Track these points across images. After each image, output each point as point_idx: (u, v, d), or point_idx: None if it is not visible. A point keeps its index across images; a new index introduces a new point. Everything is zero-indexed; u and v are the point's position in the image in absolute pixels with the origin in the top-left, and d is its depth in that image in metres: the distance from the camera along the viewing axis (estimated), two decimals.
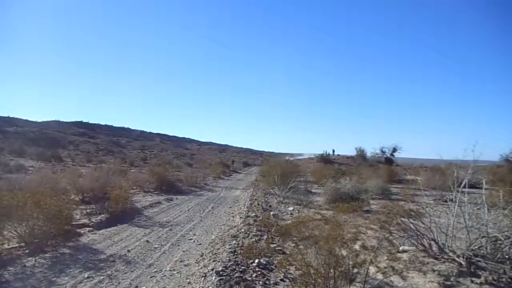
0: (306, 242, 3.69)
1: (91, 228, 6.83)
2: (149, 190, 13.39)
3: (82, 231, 6.55)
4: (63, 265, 4.73)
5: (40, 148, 30.88)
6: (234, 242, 5.55)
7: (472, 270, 4.15)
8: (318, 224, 4.08)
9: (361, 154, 36.86)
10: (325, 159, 36.07)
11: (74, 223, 6.73)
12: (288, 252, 4.96)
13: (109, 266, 4.77)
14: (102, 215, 7.89)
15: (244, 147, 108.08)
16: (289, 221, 7.36)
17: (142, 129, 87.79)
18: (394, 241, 5.02)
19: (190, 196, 13.29)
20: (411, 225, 4.86)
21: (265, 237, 5.97)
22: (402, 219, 4.99)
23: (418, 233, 4.81)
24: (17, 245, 5.28)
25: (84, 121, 72.29)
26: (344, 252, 3.36)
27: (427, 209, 5.69)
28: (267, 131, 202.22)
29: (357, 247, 3.69)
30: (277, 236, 6.14)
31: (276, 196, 12.14)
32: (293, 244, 5.18)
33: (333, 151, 44.03)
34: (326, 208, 9.89)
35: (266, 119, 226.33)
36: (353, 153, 38.67)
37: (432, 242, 4.73)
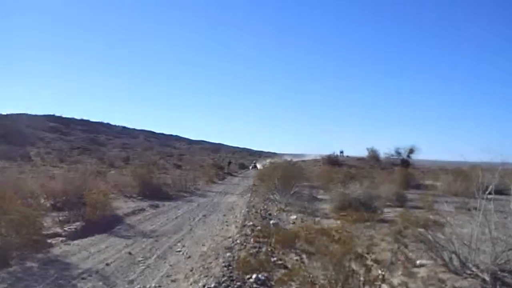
0: (312, 255, 3.71)
1: (64, 238, 6.80)
2: (131, 195, 13.36)
3: (53, 242, 6.51)
4: (30, 281, 4.70)
5: (5, 145, 30.68)
6: (229, 254, 5.56)
7: (498, 286, 4.19)
8: (327, 235, 4.10)
9: (373, 156, 37.08)
10: (333, 161, 36.21)
11: (44, 232, 6.68)
12: (290, 266, 4.98)
13: (85, 282, 4.75)
14: (77, 223, 7.86)
15: (241, 146, 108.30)
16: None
17: (124, 125, 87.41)
18: (410, 254, 5.06)
19: (178, 202, 13.28)
20: (429, 236, 4.89)
21: (264, 249, 5.98)
22: (419, 229, 5.02)
23: (437, 245, 4.84)
24: None
25: (56, 114, 71.86)
26: (354, 267, 3.39)
27: (447, 218, 5.73)
28: (267, 129, 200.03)
29: (368, 261, 3.71)
30: (278, 248, 6.16)
31: (276, 203, 12.17)
32: (296, 257, 5.20)
33: (342, 152, 44.31)
34: (334, 216, 9.94)
35: (265, 115, 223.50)
36: (364, 154, 38.91)
37: (453, 256, 4.76)
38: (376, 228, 5.09)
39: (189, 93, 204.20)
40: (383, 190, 12.56)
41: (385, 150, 36.99)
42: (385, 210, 10.23)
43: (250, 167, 47.70)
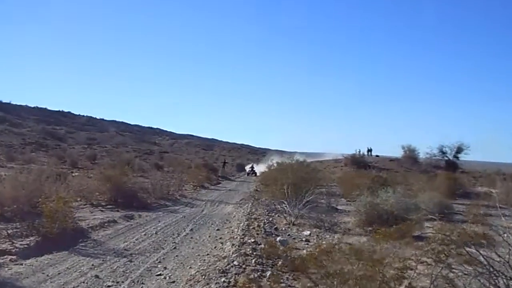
0: (329, 281, 3.75)
1: (14, 257, 6.86)
2: (99, 203, 13.46)
3: (1, 261, 6.59)
4: None
5: None
6: (224, 279, 5.60)
7: None
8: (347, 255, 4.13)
9: (410, 156, 37.04)
10: (358, 162, 36.29)
11: None
12: None
13: None
14: (31, 238, 7.93)
15: (239, 142, 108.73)
16: (305, 251, 7.43)
17: (89, 115, 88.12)
18: (456, 280, 5.08)
19: (159, 212, 13.39)
20: (480, 257, 4.90)
21: (268, 272, 6.03)
22: (468, 249, 5.03)
23: (491, 269, 4.85)
24: None
25: (3, 101, 72.37)
26: None
27: (504, 235, 5.73)
28: (273, 121, 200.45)
29: None
30: (287, 272, 6.20)
31: (285, 215, 12.20)
32: (310, 284, 5.25)
33: (370, 150, 44.35)
34: (359, 232, 9.96)
35: (271, 105, 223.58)
36: (399, 153, 38.83)
37: (511, 283, 4.76)
38: (413, 246, 5.11)
39: (173, 78, 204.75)
40: (423, 200, 12.58)
41: (425, 149, 36.89)
42: (426, 224, 10.23)
43: (247, 172, 44.17)
